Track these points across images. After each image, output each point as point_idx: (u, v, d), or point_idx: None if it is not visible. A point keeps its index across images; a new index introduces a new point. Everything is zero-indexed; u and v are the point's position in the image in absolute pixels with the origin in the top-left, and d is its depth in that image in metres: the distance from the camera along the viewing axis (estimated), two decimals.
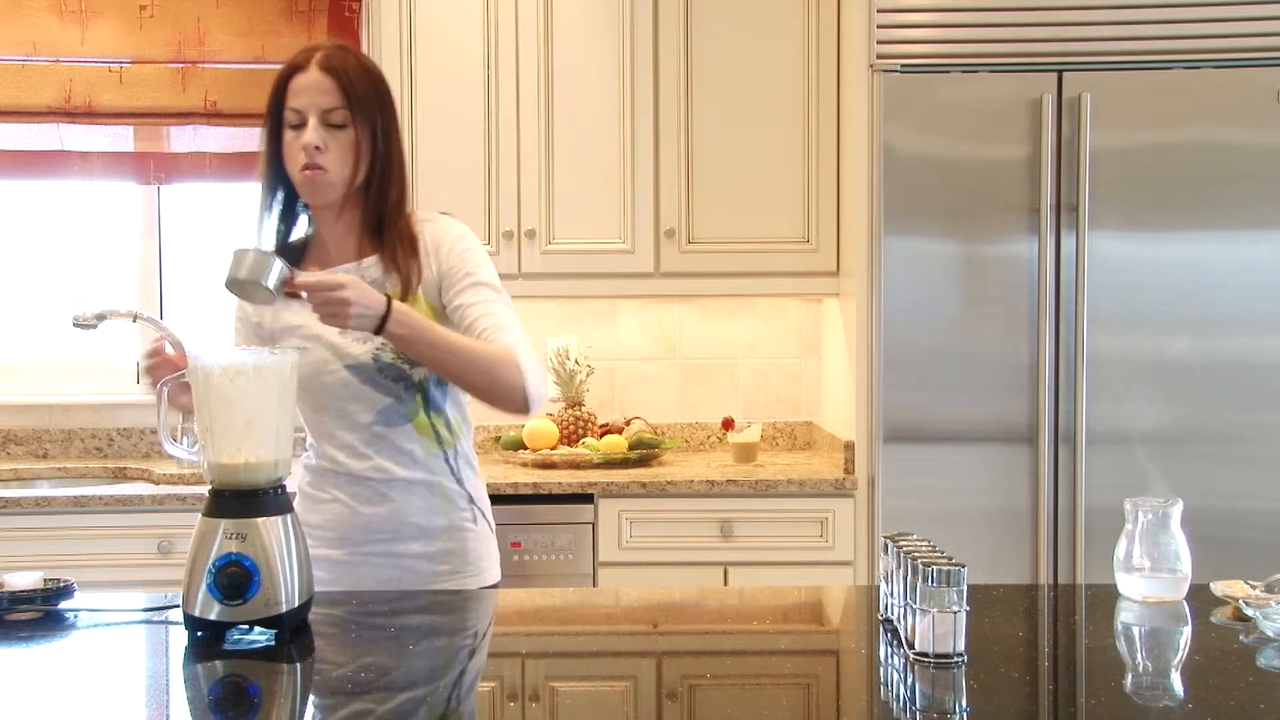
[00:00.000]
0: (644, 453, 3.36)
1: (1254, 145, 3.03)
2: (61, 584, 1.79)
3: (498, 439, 3.50)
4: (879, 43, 3.07)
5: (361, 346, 1.97)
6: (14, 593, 1.75)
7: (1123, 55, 3.05)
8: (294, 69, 1.93)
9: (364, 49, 3.53)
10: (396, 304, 1.82)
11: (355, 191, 1.98)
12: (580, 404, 3.52)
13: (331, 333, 1.96)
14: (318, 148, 1.90)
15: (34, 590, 1.76)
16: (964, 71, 3.06)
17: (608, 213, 3.38)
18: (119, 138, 3.54)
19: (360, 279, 1.85)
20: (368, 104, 1.93)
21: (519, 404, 1.91)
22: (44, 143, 3.51)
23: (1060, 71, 3.03)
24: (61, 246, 3.79)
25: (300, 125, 1.92)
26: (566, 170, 3.37)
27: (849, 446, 3.17)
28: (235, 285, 1.80)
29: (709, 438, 3.77)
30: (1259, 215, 3.04)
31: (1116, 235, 3.04)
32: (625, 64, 3.36)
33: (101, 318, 3.18)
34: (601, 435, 3.46)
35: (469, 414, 2.10)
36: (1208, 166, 3.03)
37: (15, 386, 3.68)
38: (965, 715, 1.37)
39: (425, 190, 3.34)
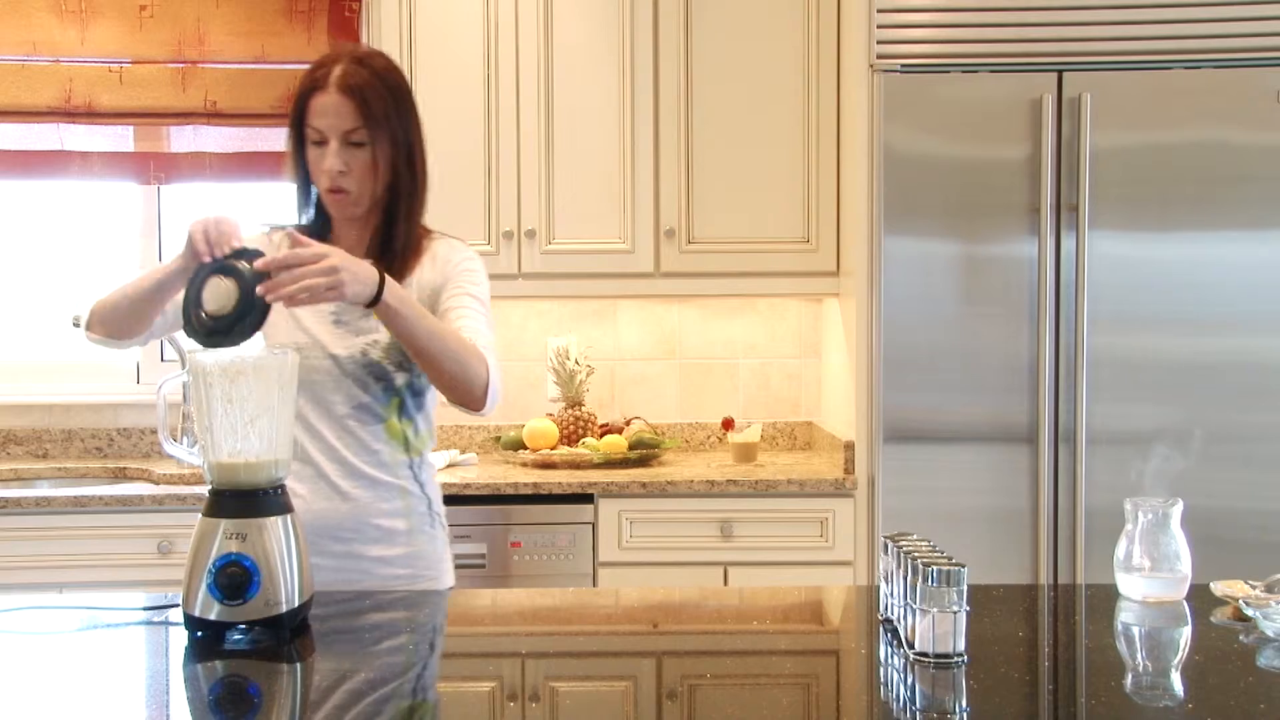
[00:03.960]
0: (644, 453, 3.35)
1: (1254, 145, 3.03)
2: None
3: (498, 439, 3.50)
4: (879, 43, 3.07)
5: (352, 340, 2.00)
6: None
7: (1123, 55, 3.05)
8: (314, 87, 1.96)
9: None
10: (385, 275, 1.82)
11: (377, 200, 2.03)
12: (580, 404, 3.52)
13: (324, 328, 2.00)
14: (341, 171, 1.96)
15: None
16: (964, 71, 3.06)
17: (608, 213, 3.38)
18: (119, 138, 3.53)
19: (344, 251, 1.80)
20: (387, 120, 1.98)
21: (479, 398, 1.93)
22: (44, 143, 3.51)
23: (1060, 71, 3.03)
24: (61, 246, 3.79)
25: (322, 143, 1.96)
26: (566, 170, 3.37)
27: (849, 446, 3.17)
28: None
29: (709, 438, 3.77)
30: (1259, 215, 3.04)
31: (1116, 235, 3.04)
32: (625, 64, 3.36)
33: None
34: (601, 435, 3.46)
35: (434, 429, 2.13)
36: (1208, 166, 3.03)
37: (15, 386, 3.68)
38: (965, 715, 1.37)
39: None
